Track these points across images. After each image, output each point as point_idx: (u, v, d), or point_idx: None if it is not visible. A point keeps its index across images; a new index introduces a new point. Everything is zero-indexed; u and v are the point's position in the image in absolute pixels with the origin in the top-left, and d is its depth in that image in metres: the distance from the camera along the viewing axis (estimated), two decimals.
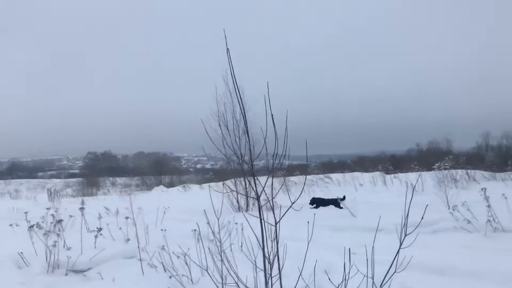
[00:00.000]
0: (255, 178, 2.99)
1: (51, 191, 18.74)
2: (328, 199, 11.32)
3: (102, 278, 4.18)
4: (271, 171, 2.85)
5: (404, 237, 2.72)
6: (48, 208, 6.67)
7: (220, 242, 3.80)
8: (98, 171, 55.33)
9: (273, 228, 2.77)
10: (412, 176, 18.00)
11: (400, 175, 20.53)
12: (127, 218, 5.93)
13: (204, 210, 3.69)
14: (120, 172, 67.53)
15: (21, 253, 4.46)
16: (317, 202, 11.30)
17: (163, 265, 4.25)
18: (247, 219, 2.95)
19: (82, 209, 5.54)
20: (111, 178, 51.03)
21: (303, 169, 29.00)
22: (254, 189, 2.87)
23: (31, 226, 5.11)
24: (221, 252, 3.74)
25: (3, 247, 5.22)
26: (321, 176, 24.15)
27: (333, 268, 4.17)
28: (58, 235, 4.58)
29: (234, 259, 3.79)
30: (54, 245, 4.37)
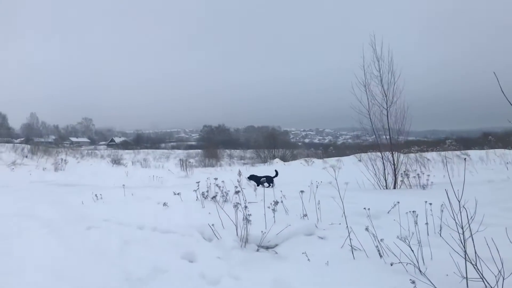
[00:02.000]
0: None
1: (183, 161, 19.87)
2: (261, 176, 10.48)
3: (309, 260, 3.78)
4: None
5: None
6: (207, 178, 6.65)
7: (462, 228, 3.11)
8: (214, 143, 58.02)
9: None
10: None
11: None
12: (301, 192, 5.54)
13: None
14: (233, 144, 70.17)
15: (212, 225, 4.29)
16: (253, 179, 10.41)
17: (378, 250, 3.70)
18: None
19: (270, 178, 5.23)
20: (227, 150, 52.88)
21: (434, 144, 26.74)
22: None
23: (213, 197, 4.99)
24: (463, 241, 3.07)
25: (181, 217, 5.20)
26: (457, 152, 21.89)
27: None
28: (246, 207, 4.30)
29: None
30: (248, 219, 4.11)
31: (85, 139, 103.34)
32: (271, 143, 51.69)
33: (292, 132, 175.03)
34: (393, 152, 10.81)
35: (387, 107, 10.76)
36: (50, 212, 5.75)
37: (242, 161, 39.29)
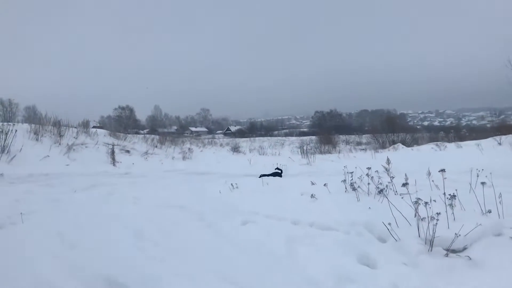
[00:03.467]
0: None
1: (303, 148, 19.45)
2: (271, 173, 11.37)
3: None
4: None
5: None
6: (345, 167, 6.01)
7: None
8: (326, 129, 56.92)
9: None
10: None
11: None
12: (483, 183, 4.59)
13: None
14: (346, 130, 68.17)
15: (389, 224, 3.64)
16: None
17: None
18: None
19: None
20: (341, 136, 51.40)
21: None
22: None
23: (381, 191, 4.34)
24: None
25: (337, 212, 4.66)
26: None
27: None
28: (427, 203, 3.59)
29: None
30: (436, 218, 3.39)
31: (203, 129, 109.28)
32: (389, 127, 48.90)
33: (409, 115, 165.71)
34: None
35: None
36: (196, 203, 5.67)
37: (359, 147, 37.62)
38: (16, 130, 10.52)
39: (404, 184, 4.22)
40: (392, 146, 28.79)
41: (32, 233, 4.35)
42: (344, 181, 5.72)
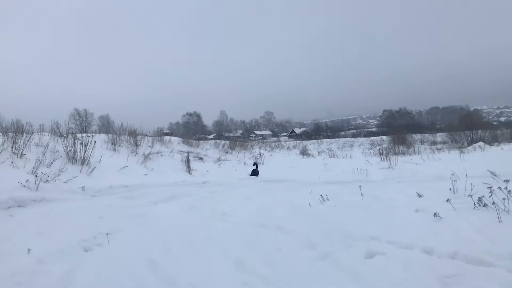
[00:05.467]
0: None
1: (382, 150, 18.25)
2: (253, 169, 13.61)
3: None
4: None
5: None
6: (452, 175, 5.00)
7: None
8: (396, 128, 54.33)
9: None
10: None
11: None
12: None
13: None
14: (417, 128, 64.67)
15: None
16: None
17: None
18: None
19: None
20: (413, 135, 48.77)
21: None
22: None
23: None
24: None
25: (480, 239, 3.71)
26: None
27: None
28: None
29: None
30: None
31: (268, 132, 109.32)
32: (467, 124, 45.56)
33: (484, 111, 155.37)
34: None
35: None
36: (293, 222, 5.00)
37: (435, 146, 35.15)
38: (95, 142, 10.50)
39: None
40: (477, 145, 26.41)
41: (122, 259, 3.92)
42: (470, 195, 4.73)
